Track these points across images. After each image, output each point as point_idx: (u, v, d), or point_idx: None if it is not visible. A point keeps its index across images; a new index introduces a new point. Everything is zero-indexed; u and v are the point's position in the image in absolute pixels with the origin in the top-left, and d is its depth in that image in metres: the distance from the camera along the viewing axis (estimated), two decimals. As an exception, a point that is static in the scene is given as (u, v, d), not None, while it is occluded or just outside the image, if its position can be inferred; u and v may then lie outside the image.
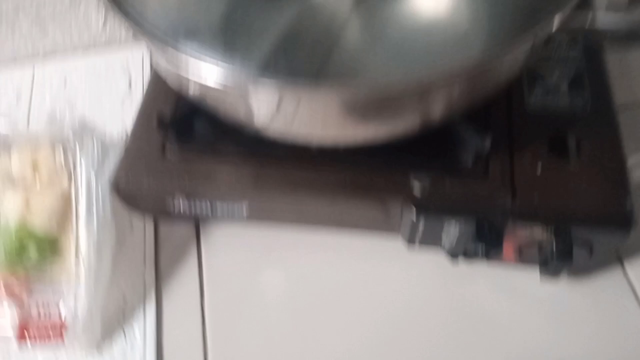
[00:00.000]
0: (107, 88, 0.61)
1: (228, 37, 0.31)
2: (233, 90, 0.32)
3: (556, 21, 0.32)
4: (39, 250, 0.45)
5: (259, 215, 0.46)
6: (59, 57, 0.65)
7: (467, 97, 0.35)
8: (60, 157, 0.46)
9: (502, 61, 0.34)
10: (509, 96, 0.44)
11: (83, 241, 0.44)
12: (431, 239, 0.43)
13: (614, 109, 0.44)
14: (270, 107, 0.32)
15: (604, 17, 0.33)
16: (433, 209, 0.40)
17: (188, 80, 0.34)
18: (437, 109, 0.35)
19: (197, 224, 0.51)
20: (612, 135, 0.42)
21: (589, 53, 0.46)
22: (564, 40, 0.46)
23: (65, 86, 0.62)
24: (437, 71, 0.31)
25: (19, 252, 0.45)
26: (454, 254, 0.45)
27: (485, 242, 0.39)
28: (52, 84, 0.63)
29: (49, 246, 0.46)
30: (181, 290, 0.48)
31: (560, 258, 0.39)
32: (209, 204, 0.45)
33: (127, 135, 0.46)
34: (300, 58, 0.30)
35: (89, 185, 0.45)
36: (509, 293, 0.46)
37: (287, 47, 0.30)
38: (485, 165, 0.41)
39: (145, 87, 0.49)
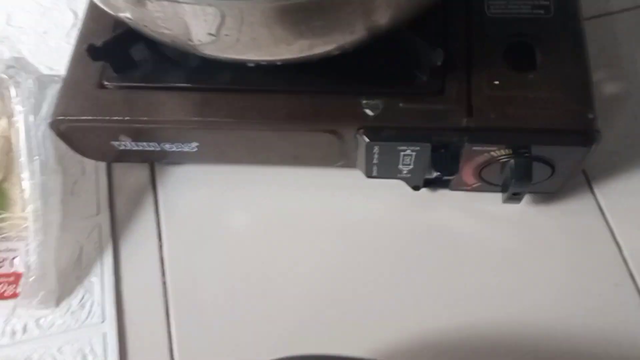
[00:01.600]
0: (52, 24, 0.58)
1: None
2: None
3: None
4: (-17, 198, 0.44)
5: (210, 154, 0.44)
6: (1, -7, 0.61)
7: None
8: (-5, 98, 0.44)
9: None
10: (468, 2, 0.41)
11: (26, 187, 0.42)
12: (389, 170, 0.41)
13: (579, 16, 0.40)
14: (197, 22, 0.30)
15: None
16: (386, 134, 0.38)
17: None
18: (382, 10, 0.32)
19: (152, 166, 0.49)
20: (575, 44, 0.39)
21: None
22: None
23: (9, 23, 0.59)
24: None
25: (-38, 201, 0.43)
26: (414, 185, 0.43)
27: (441, 168, 0.37)
28: (-5, 21, 0.59)
29: (-6, 194, 0.44)
30: (138, 235, 0.47)
31: (519, 179, 0.37)
32: (155, 142, 0.43)
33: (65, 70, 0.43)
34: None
35: (27, 126, 0.42)
36: (474, 217, 0.45)
37: None
38: (442, 82, 0.39)
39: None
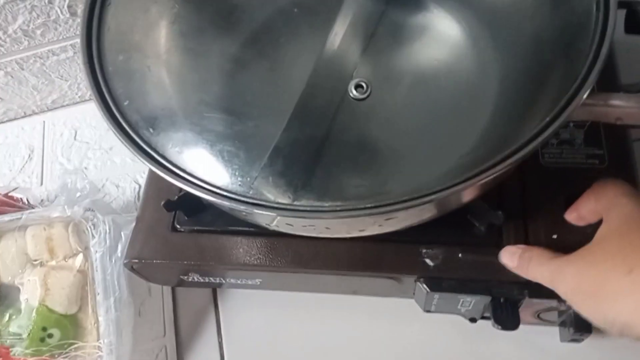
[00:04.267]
0: (117, 140, 0.61)
1: (216, 157, 0.31)
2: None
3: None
4: (60, 329, 0.47)
5: (272, 285, 0.46)
6: (67, 108, 0.65)
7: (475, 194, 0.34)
8: (73, 236, 0.47)
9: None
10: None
11: (102, 322, 0.45)
12: (447, 308, 0.42)
13: (634, 162, 0.41)
14: (263, 220, 0.32)
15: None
16: (446, 285, 0.39)
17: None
18: (440, 210, 0.34)
19: (214, 288, 0.51)
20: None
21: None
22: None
23: (76, 138, 0.62)
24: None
25: (41, 332, 0.46)
26: (472, 319, 0.44)
27: (502, 322, 0.38)
28: (63, 136, 0.63)
29: (70, 325, 0.47)
30: (202, 356, 0.49)
31: (579, 330, 0.38)
32: (222, 277, 0.45)
33: (137, 210, 0.46)
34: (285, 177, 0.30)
35: (104, 266, 0.45)
36: (531, 350, 0.45)
37: (274, 168, 0.29)
38: (499, 233, 0.40)
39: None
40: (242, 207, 0.27)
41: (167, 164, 0.29)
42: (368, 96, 0.32)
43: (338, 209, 0.27)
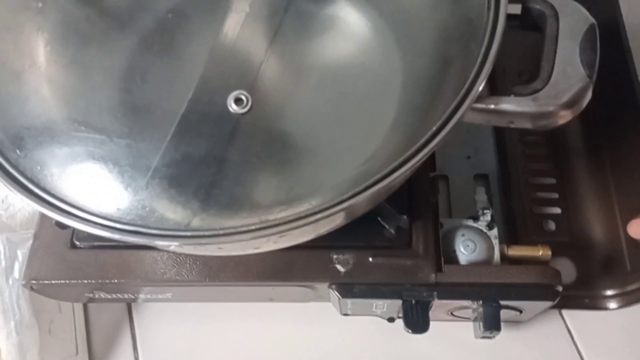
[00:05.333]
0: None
1: (89, 180, 0.28)
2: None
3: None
4: (-41, 359, 0.43)
5: (185, 298, 0.44)
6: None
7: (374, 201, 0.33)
8: (-34, 259, 0.43)
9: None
10: (433, 158, 0.42)
11: (3, 348, 0.42)
12: (363, 311, 0.42)
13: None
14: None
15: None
16: (357, 291, 0.39)
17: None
18: (337, 222, 0.33)
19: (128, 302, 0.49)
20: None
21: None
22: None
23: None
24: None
25: (-63, 364, 0.43)
26: (389, 317, 0.44)
27: (412, 326, 0.38)
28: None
29: (-30, 352, 0.44)
30: (118, 372, 0.47)
31: (488, 329, 0.38)
32: (130, 293, 0.43)
33: (35, 227, 0.43)
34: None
35: (0, 289, 0.42)
36: (448, 344, 0.46)
37: (151, 192, 0.27)
38: (408, 235, 0.40)
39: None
40: (116, 236, 0.25)
41: (35, 189, 0.27)
42: (250, 110, 0.30)
43: (220, 233, 0.25)
